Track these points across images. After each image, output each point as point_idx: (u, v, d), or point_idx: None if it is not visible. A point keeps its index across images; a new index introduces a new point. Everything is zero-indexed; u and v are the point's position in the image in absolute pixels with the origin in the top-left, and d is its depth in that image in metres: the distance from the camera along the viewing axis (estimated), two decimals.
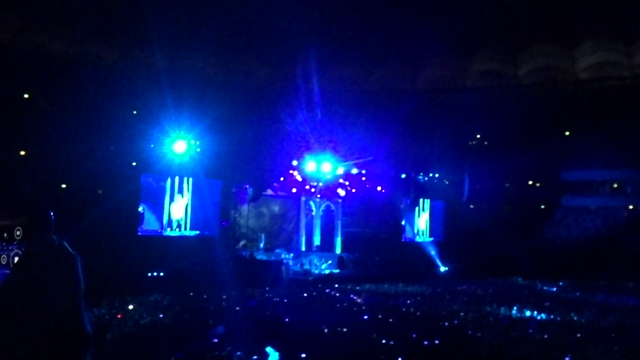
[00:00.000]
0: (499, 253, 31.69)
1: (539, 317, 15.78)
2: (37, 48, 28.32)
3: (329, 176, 29.81)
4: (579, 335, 13.10)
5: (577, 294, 23.30)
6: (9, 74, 24.73)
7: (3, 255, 20.89)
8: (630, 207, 38.11)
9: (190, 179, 26.40)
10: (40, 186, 23.90)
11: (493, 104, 36.61)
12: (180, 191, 26.24)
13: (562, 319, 15.62)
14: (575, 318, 15.63)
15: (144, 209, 24.92)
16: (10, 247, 21.01)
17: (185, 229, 26.27)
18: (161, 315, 13.80)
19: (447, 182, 36.72)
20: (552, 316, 15.97)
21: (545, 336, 12.68)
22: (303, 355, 9.92)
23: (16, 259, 19.00)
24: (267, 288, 21.10)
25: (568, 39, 33.82)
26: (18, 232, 21.01)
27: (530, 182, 40.17)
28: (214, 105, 30.43)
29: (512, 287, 25.58)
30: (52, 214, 5.38)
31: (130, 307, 14.84)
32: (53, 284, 4.47)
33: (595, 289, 24.92)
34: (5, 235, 21.39)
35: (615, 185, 39.54)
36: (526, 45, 34.65)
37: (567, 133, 40.04)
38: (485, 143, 39.80)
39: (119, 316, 13.65)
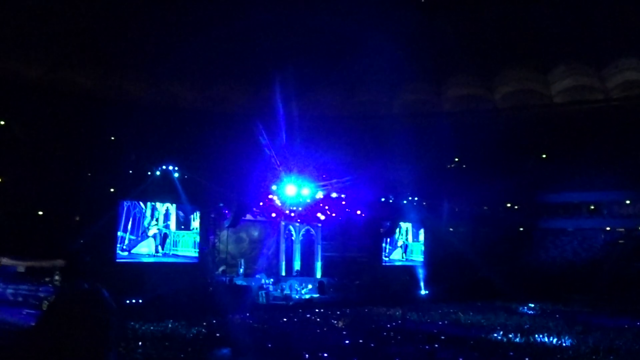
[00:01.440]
0: (478, 276, 31.77)
1: (518, 340, 15.80)
2: (11, 75, 28.16)
3: (308, 200, 29.77)
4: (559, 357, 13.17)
5: (557, 315, 23.40)
6: None
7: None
8: (607, 228, 38.46)
9: (173, 205, 26.31)
10: (16, 213, 23.64)
11: (470, 127, 36.93)
12: (157, 217, 26.09)
13: (542, 341, 15.67)
14: (555, 341, 15.66)
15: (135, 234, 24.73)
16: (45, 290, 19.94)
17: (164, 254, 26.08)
18: (140, 343, 13.61)
19: (425, 206, 36.82)
20: (531, 339, 15.99)
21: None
22: None
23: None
24: (247, 314, 20.90)
25: (542, 63, 34.34)
26: (57, 277, 20.13)
27: (509, 205, 40.44)
28: (191, 131, 30.45)
29: (491, 310, 25.60)
30: (88, 259, 5.22)
31: None
32: (75, 338, 4.34)
33: (573, 311, 25.08)
34: (46, 278, 20.40)
35: (592, 207, 39.91)
36: (501, 70, 35.11)
37: (544, 156, 40.47)
38: (464, 166, 40.08)
39: None
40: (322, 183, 29.94)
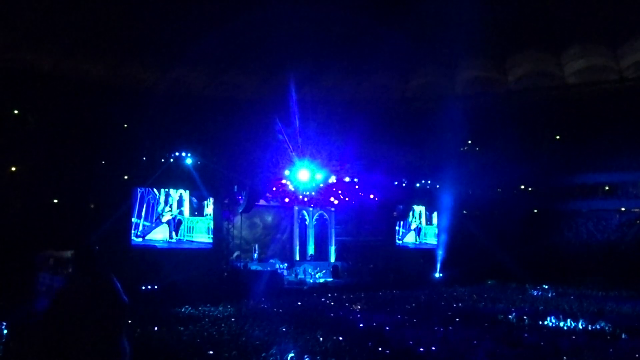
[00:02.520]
0: (492, 258, 31.77)
1: (532, 322, 15.81)
2: (24, 65, 28.30)
3: (321, 185, 29.82)
4: (573, 338, 13.18)
5: (571, 297, 23.40)
6: None
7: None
8: (622, 209, 38.30)
9: (187, 192, 26.51)
10: (32, 202, 23.84)
11: (483, 110, 36.79)
12: (170, 203, 26.28)
13: (556, 323, 15.67)
14: (569, 322, 15.65)
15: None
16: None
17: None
18: (156, 329, 13.73)
19: (439, 189, 36.80)
20: (546, 321, 15.99)
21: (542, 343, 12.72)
22: None
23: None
24: (263, 299, 21.01)
25: (555, 44, 34.03)
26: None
27: (522, 187, 40.32)
28: (203, 118, 30.53)
29: (505, 292, 25.62)
30: (96, 249, 5.26)
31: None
32: (80, 328, 4.33)
33: (587, 293, 25.05)
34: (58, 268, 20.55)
35: (607, 188, 39.71)
36: (514, 52, 34.83)
37: (557, 137, 40.26)
38: (477, 149, 39.96)
39: None
40: (335, 168, 29.95)
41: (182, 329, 13.96)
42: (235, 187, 27.88)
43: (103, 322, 4.51)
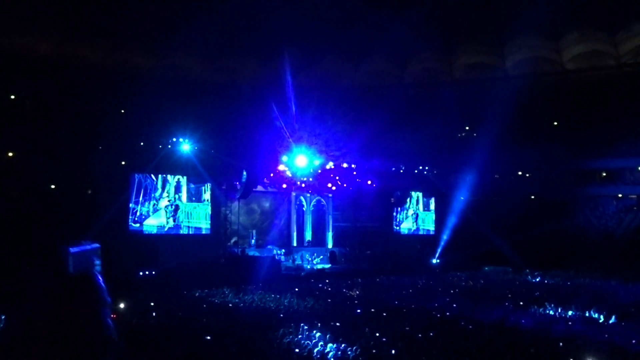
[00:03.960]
0: (490, 245, 31.85)
1: (532, 309, 15.86)
2: (21, 50, 28.16)
3: (319, 171, 29.82)
4: (572, 326, 13.24)
5: (568, 283, 23.49)
6: None
7: None
8: (620, 195, 38.33)
9: (184, 177, 26.50)
10: (29, 188, 23.81)
11: (481, 96, 36.71)
12: (168, 189, 26.27)
13: (551, 308, 15.74)
14: (564, 309, 15.71)
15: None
16: None
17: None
18: (154, 314, 13.76)
19: (436, 175, 36.82)
20: (542, 307, 16.05)
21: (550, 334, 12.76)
22: (297, 350, 9.94)
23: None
24: (260, 284, 21.05)
25: (554, 29, 33.91)
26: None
27: (519, 173, 40.34)
28: (201, 103, 30.46)
29: (501, 278, 25.73)
30: (63, 247, 5.11)
31: (122, 306, 14.78)
32: (57, 323, 4.18)
33: (584, 279, 25.15)
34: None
35: (604, 174, 39.74)
36: (512, 37, 34.71)
37: (555, 123, 40.23)
38: (474, 135, 39.92)
39: (113, 316, 13.59)
40: (332, 153, 29.94)
41: (180, 314, 14.01)
42: (233, 173, 27.87)
43: (82, 317, 4.36)
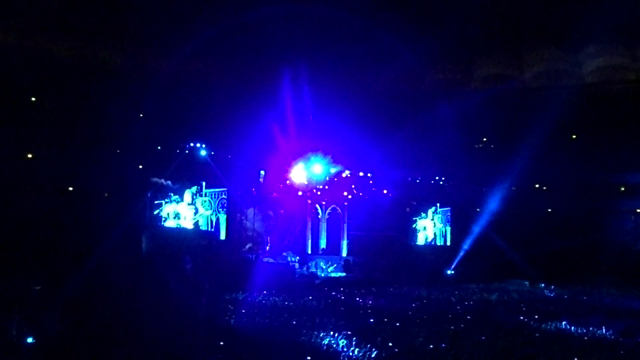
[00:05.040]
0: (505, 257, 31.67)
1: (545, 325, 15.71)
2: (41, 52, 28.42)
3: (335, 179, 29.86)
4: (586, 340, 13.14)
5: (584, 298, 23.29)
6: (15, 78, 24.84)
7: None
8: (638, 210, 37.96)
9: (201, 183, 26.63)
10: (47, 189, 24.00)
11: (498, 107, 36.54)
12: (184, 194, 26.41)
13: (567, 324, 15.59)
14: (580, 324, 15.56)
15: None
16: None
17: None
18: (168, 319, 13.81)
19: (452, 186, 36.69)
20: (561, 323, 15.90)
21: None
22: (309, 358, 9.94)
23: None
24: (274, 291, 21.09)
25: (573, 42, 33.72)
26: None
27: (537, 186, 40.06)
28: (218, 109, 30.56)
29: (517, 291, 25.56)
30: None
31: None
32: None
33: (600, 293, 24.94)
34: None
35: (622, 189, 39.36)
36: (531, 49, 34.55)
37: (574, 137, 39.94)
38: (492, 146, 39.73)
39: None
40: (348, 162, 29.96)
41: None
42: (249, 179, 27.96)
43: None
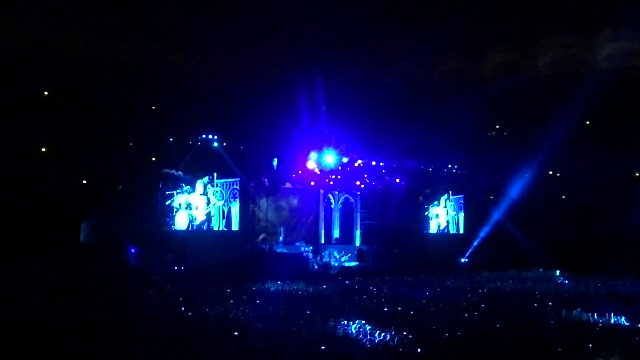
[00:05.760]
0: (519, 245, 31.56)
1: (560, 312, 15.63)
2: (54, 46, 28.51)
3: (347, 169, 29.82)
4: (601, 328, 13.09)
5: (599, 284, 23.14)
6: (28, 73, 24.96)
7: None
8: None
9: (213, 174, 26.69)
10: (61, 183, 24.13)
11: (511, 95, 36.30)
12: (197, 185, 26.50)
13: (582, 310, 15.50)
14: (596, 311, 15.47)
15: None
16: None
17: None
18: (183, 309, 13.90)
19: (465, 174, 36.55)
20: (576, 310, 15.81)
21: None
22: (322, 347, 9.95)
23: None
24: (288, 281, 21.12)
25: (587, 28, 33.42)
26: None
27: (550, 173, 39.82)
28: (230, 100, 30.58)
29: (531, 279, 25.45)
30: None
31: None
32: None
33: (616, 281, 24.79)
34: None
35: (638, 174, 39.06)
36: (544, 36, 34.27)
37: (587, 123, 39.63)
38: (504, 134, 39.52)
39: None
40: (360, 151, 29.91)
41: (207, 310, 14.12)
42: (261, 170, 27.99)
43: None
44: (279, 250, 28.35)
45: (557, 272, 27.75)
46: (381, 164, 31.29)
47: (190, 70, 32.12)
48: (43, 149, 24.73)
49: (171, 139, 25.93)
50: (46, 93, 26.18)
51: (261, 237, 29.00)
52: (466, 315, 14.28)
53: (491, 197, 36.35)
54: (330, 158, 28.65)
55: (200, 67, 32.95)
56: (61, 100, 26.34)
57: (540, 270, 28.80)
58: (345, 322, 12.60)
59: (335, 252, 30.38)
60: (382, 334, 11.43)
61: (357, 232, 33.29)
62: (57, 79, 26.73)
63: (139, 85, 28.22)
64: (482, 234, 33.89)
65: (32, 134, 24.07)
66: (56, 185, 24.12)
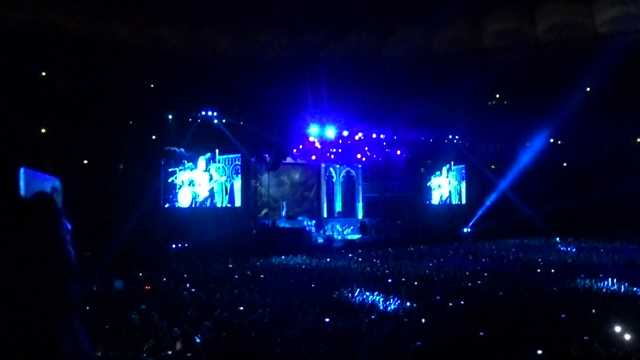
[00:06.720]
0: (521, 214, 31.62)
1: (563, 279, 15.70)
2: (51, 26, 28.32)
3: (348, 142, 29.77)
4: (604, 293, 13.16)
5: (601, 250, 23.22)
6: (25, 53, 24.81)
7: None
8: None
9: (215, 151, 26.68)
10: (62, 164, 24.11)
11: (511, 63, 36.10)
12: (199, 162, 26.49)
13: (585, 276, 15.57)
14: (599, 275, 15.55)
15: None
16: None
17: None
18: (187, 285, 13.98)
19: (466, 144, 36.48)
20: (579, 276, 15.89)
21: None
22: (327, 320, 10.03)
23: None
24: (291, 255, 21.23)
25: None
26: None
27: (552, 141, 39.77)
28: (229, 77, 30.45)
29: (533, 247, 25.55)
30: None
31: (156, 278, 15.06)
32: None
33: (617, 246, 24.87)
34: None
35: (639, 141, 39.03)
36: (543, 2, 33.99)
37: (588, 89, 39.47)
38: (505, 103, 39.38)
39: (147, 288, 13.88)
40: (361, 124, 29.82)
41: (212, 285, 14.20)
42: (262, 145, 27.94)
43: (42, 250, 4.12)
44: (282, 225, 28.42)
45: (557, 239, 27.81)
46: (382, 136, 31.19)
47: (188, 47, 31.95)
48: (43, 130, 24.69)
49: (171, 117, 25.87)
50: (43, 74, 26.07)
51: (264, 212, 29.05)
52: (470, 284, 14.37)
53: (492, 166, 36.33)
54: (331, 132, 28.58)
55: (198, 42, 32.77)
56: (59, 80, 26.23)
57: (542, 238, 28.88)
58: (350, 294, 12.68)
59: (338, 226, 30.46)
60: (387, 304, 11.52)
61: (360, 205, 33.34)
62: (55, 59, 26.59)
63: (138, 63, 28.10)
64: (484, 203, 33.91)
65: (31, 115, 24.00)
66: (57, 166, 24.10)
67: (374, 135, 30.69)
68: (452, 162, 36.45)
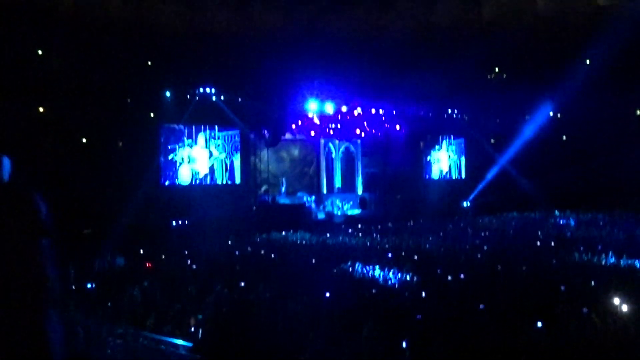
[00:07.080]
0: (521, 188, 31.64)
1: (563, 252, 15.71)
2: (45, 4, 28.07)
3: (347, 117, 29.69)
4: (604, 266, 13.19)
5: (600, 223, 23.26)
6: (20, 30, 24.62)
7: None
8: None
9: (214, 127, 26.61)
10: (60, 141, 24.07)
11: (511, 36, 35.85)
12: (197, 139, 26.47)
13: (584, 249, 15.59)
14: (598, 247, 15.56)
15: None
16: None
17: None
18: (188, 262, 14.01)
19: (466, 118, 36.38)
20: (579, 249, 15.90)
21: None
22: (327, 294, 10.05)
23: None
24: (291, 231, 21.27)
25: None
26: None
27: (552, 114, 39.64)
28: (227, 52, 30.28)
29: (532, 220, 25.61)
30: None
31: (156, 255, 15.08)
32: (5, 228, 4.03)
33: (615, 218, 24.90)
34: None
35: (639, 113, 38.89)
36: None
37: (588, 62, 39.26)
38: (504, 76, 39.19)
39: (148, 265, 13.92)
40: (359, 99, 29.71)
41: (213, 261, 14.24)
42: (261, 121, 27.88)
43: (24, 225, 4.07)
44: (282, 201, 28.46)
45: (558, 213, 27.84)
46: (381, 111, 31.08)
47: (184, 22, 31.73)
48: (40, 109, 24.59)
49: (169, 94, 25.78)
50: (40, 52, 25.89)
51: (263, 188, 29.07)
52: (469, 257, 14.40)
53: (492, 140, 36.26)
54: (329, 107, 28.47)
55: (195, 18, 32.54)
56: (56, 58, 26.07)
57: (544, 211, 28.91)
58: (351, 269, 12.72)
59: (337, 201, 30.51)
60: (387, 279, 11.56)
61: (359, 180, 33.36)
62: (50, 38, 26.40)
63: (134, 39, 27.92)
64: (484, 177, 33.90)
65: (27, 93, 23.87)
66: (56, 143, 24.04)
67: (373, 111, 30.58)
68: (452, 137, 36.38)
